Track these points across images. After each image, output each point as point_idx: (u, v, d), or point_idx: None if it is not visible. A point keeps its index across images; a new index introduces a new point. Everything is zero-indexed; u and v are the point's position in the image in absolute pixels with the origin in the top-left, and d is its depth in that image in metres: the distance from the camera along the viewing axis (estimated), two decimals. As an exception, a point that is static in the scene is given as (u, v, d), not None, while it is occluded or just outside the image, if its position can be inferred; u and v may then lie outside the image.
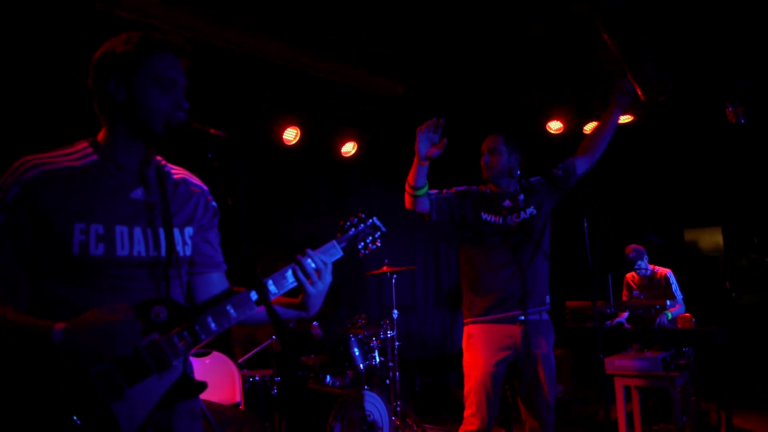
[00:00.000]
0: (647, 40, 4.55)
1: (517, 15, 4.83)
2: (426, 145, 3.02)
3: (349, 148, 6.26)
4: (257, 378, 4.30)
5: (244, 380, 4.26)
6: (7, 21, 3.75)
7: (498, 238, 3.24)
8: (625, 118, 6.18)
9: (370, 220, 2.02)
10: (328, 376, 4.65)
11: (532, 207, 3.33)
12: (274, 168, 5.82)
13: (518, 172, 3.32)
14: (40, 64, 3.92)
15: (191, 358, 4.03)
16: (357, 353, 4.60)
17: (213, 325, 1.62)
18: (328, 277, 1.80)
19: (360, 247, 1.98)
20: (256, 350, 4.43)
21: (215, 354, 4.00)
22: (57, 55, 3.93)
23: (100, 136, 1.68)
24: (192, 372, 1.73)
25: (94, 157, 1.63)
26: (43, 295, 1.53)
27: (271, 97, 5.56)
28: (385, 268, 5.27)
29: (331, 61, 5.37)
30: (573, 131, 6.43)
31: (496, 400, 3.18)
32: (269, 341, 4.40)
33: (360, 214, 2.03)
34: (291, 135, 5.70)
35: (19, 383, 1.41)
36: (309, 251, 1.78)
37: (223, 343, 4.41)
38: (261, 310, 1.71)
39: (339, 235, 1.94)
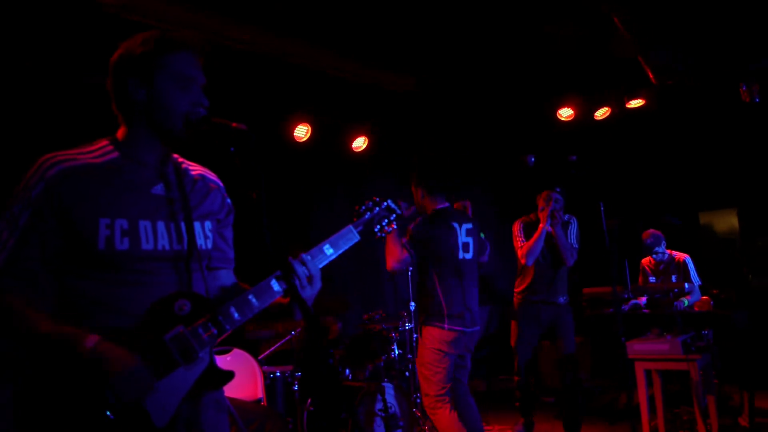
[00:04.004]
0: (658, 24, 4.53)
1: (528, 9, 4.81)
2: None
3: (360, 143, 6.27)
4: (278, 374, 4.33)
5: (266, 376, 4.29)
6: (16, 25, 3.78)
7: None
8: (636, 102, 6.15)
9: (385, 203, 2.02)
10: (347, 370, 4.67)
11: None
12: (285, 165, 5.84)
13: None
14: (54, 66, 3.96)
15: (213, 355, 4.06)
16: (375, 346, 4.62)
17: (236, 315, 1.63)
18: (317, 284, 1.75)
19: (376, 230, 1.98)
20: (276, 346, 4.46)
21: (236, 351, 4.02)
22: (69, 58, 3.98)
23: (120, 134, 1.70)
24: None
25: (115, 154, 1.65)
26: (70, 291, 1.55)
27: (282, 94, 5.58)
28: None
29: (341, 57, 5.38)
30: (584, 118, 6.40)
31: None
32: (289, 337, 4.42)
33: (374, 198, 2.02)
34: (302, 132, 5.71)
35: (50, 382, 1.44)
36: (303, 256, 1.74)
37: (244, 340, 4.44)
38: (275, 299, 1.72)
39: (355, 219, 1.94)
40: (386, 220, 2.01)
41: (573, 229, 4.80)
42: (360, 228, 1.93)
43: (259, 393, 3.99)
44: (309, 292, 1.73)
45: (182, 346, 1.54)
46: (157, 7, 4.36)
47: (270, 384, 4.30)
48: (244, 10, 4.57)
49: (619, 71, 5.80)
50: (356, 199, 6.46)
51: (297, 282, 1.71)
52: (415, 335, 5.24)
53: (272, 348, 4.46)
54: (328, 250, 1.83)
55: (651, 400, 4.42)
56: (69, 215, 1.52)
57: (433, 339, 3.84)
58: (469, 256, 3.99)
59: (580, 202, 4.72)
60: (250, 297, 1.66)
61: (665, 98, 6.00)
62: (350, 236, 1.89)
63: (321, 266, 1.79)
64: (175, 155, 1.80)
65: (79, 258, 1.54)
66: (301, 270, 1.70)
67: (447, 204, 4.06)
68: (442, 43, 5.35)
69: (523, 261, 4.70)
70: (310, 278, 1.72)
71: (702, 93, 5.95)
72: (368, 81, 5.74)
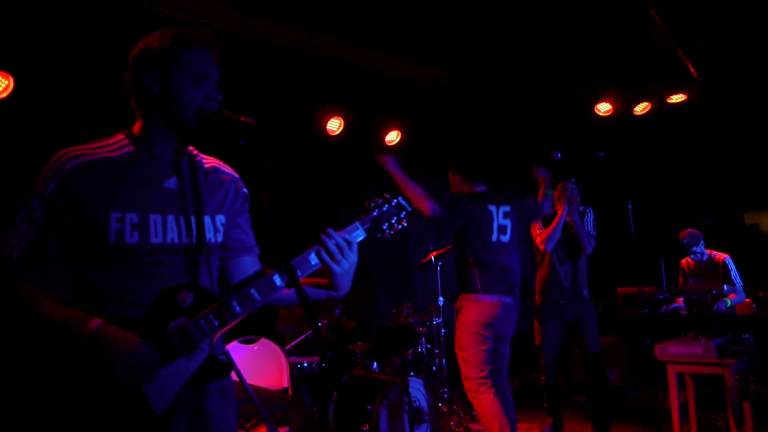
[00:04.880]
0: (699, 18, 4.37)
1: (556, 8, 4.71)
2: None
3: (393, 137, 6.26)
4: (305, 364, 4.39)
5: (292, 367, 4.35)
6: (52, 21, 3.92)
7: None
8: (677, 97, 5.95)
9: (395, 200, 1.99)
10: (374, 363, 4.70)
11: None
12: (317, 158, 5.89)
13: None
14: (87, 62, 4.08)
15: (239, 345, 4.15)
16: (403, 340, 4.63)
17: (237, 308, 1.66)
18: (353, 256, 1.81)
19: (385, 227, 1.95)
20: (302, 337, 4.52)
21: (263, 341, 4.10)
22: (104, 53, 4.09)
23: (136, 128, 1.74)
24: (223, 354, 1.78)
25: (131, 148, 1.69)
26: (84, 282, 1.61)
27: (315, 88, 5.62)
28: (431, 254, 5.27)
29: (375, 51, 5.38)
30: (623, 113, 6.23)
31: None
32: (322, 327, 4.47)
33: (385, 195, 2.00)
34: (335, 125, 5.74)
35: (55, 368, 1.50)
36: (331, 231, 1.79)
37: (271, 330, 4.52)
38: (287, 292, 1.75)
39: (363, 216, 1.94)
40: (395, 218, 1.99)
41: (589, 218, 4.78)
42: (367, 225, 1.91)
43: (285, 383, 4.05)
44: (346, 265, 1.79)
45: (183, 336, 1.58)
46: (194, 3, 4.45)
47: (297, 374, 4.37)
48: (279, 7, 4.62)
49: (660, 65, 5.62)
50: (387, 192, 6.49)
51: (328, 258, 1.76)
52: (443, 330, 5.22)
53: (299, 339, 4.52)
54: (333, 245, 1.84)
55: (684, 404, 4.30)
56: (82, 209, 1.57)
57: (469, 321, 3.83)
58: (505, 238, 3.98)
59: (608, 198, 4.63)
60: (252, 291, 1.69)
61: (708, 93, 5.78)
62: (357, 233, 1.88)
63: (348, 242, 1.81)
64: (191, 148, 1.84)
65: (92, 250, 1.59)
66: (331, 244, 1.76)
67: (485, 188, 4.07)
68: (477, 36, 5.28)
69: (542, 247, 4.71)
70: (341, 250, 1.77)
71: (747, 86, 5.70)
72: (402, 75, 5.73)
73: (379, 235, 1.98)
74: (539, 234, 4.74)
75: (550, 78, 5.99)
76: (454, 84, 5.95)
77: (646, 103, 6.18)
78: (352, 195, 6.21)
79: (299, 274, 1.75)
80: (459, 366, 3.92)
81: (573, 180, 4.51)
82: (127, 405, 1.50)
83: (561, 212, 4.62)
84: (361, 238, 1.89)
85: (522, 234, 4.18)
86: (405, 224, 2.03)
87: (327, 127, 5.71)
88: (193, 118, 1.66)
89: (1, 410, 1.57)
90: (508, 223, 4.00)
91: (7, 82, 4.04)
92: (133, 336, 1.51)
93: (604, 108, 6.26)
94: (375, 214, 1.96)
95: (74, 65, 4.15)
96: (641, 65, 5.69)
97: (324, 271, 1.83)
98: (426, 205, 3.75)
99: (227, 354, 2.84)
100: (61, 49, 4.19)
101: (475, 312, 3.84)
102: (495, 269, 3.89)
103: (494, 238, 3.93)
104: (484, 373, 3.76)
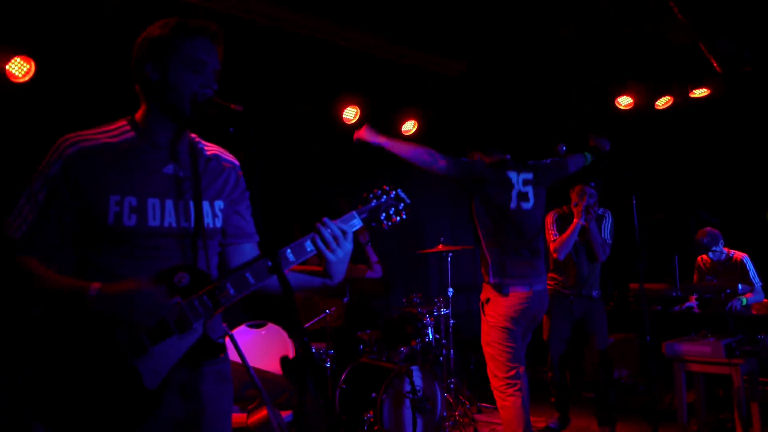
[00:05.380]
0: (721, 13, 4.28)
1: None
2: None
3: (409, 127, 6.25)
4: (312, 350, 4.43)
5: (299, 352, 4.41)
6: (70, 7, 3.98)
7: None
8: (700, 92, 5.85)
9: (394, 192, 2.02)
10: (383, 352, 4.74)
11: None
12: (334, 146, 5.92)
13: None
14: (108, 49, 4.15)
15: (247, 329, 4.22)
16: (410, 330, 4.66)
17: (232, 290, 1.70)
18: (347, 245, 1.84)
19: (382, 218, 1.98)
20: (311, 323, 4.58)
21: (270, 326, 4.17)
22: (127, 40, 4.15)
23: (138, 114, 1.79)
24: (221, 338, 1.82)
25: (132, 134, 1.74)
26: (85, 262, 1.66)
27: (332, 76, 5.64)
28: (440, 246, 5.27)
29: (393, 40, 5.38)
30: (644, 107, 6.14)
31: None
32: (323, 315, 4.52)
33: (384, 186, 2.02)
34: (351, 114, 5.76)
35: (54, 339, 1.55)
36: (326, 220, 1.82)
37: (279, 316, 4.57)
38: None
39: (360, 206, 1.97)
40: (393, 209, 2.01)
41: (607, 224, 4.65)
42: (365, 215, 1.94)
43: (291, 368, 4.11)
44: (341, 254, 1.82)
45: (178, 315, 1.63)
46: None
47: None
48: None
49: (682, 59, 5.52)
50: (403, 182, 6.52)
51: (323, 246, 1.80)
52: (452, 321, 5.24)
53: (306, 325, 4.58)
54: (328, 233, 1.87)
55: (692, 403, 4.27)
56: (83, 192, 1.63)
57: (497, 315, 3.55)
58: (527, 206, 3.66)
59: (614, 195, 4.56)
60: (247, 275, 1.73)
61: (732, 87, 5.66)
62: (352, 222, 1.91)
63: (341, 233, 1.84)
64: (193, 135, 1.88)
65: (92, 232, 1.64)
66: (326, 232, 1.80)
67: (507, 156, 3.77)
68: (495, 27, 5.24)
69: (555, 255, 4.57)
70: (336, 239, 1.81)
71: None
72: (419, 64, 5.71)
73: (374, 225, 2.00)
74: (553, 240, 4.62)
75: (567, 71, 5.93)
76: (470, 74, 5.91)
77: (669, 97, 6.08)
78: (367, 185, 6.23)
79: (294, 259, 1.79)
80: (486, 362, 3.67)
81: (593, 184, 4.33)
82: (120, 380, 1.55)
83: (577, 220, 4.46)
84: (357, 228, 1.92)
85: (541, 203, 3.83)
86: (404, 216, 2.05)
87: (343, 116, 5.72)
88: (187, 106, 1.70)
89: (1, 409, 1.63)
90: (529, 190, 3.70)
91: (29, 66, 4.12)
92: (136, 281, 1.55)
93: (624, 102, 6.17)
94: (373, 204, 1.99)
95: (95, 52, 4.22)
96: (665, 58, 5.60)
97: (320, 258, 1.86)
98: (437, 164, 3.45)
99: (231, 337, 2.90)
100: (84, 35, 4.27)
101: (504, 305, 3.54)
102: (523, 249, 3.56)
103: (513, 205, 3.61)
104: (513, 372, 3.50)
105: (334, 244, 1.81)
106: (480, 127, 3.63)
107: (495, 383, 3.58)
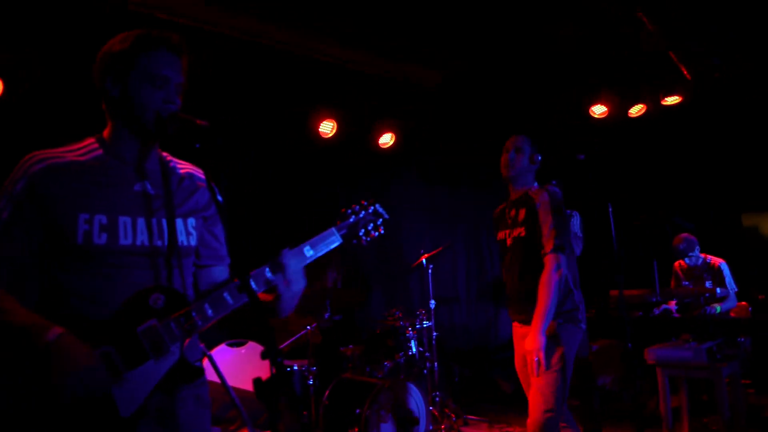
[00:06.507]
0: (690, 20, 4.36)
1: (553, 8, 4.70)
2: None
3: (387, 140, 6.25)
4: (295, 368, 4.37)
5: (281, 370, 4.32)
6: (40, 24, 3.91)
7: None
8: (672, 100, 5.94)
9: (372, 207, 2.02)
10: (366, 367, 4.68)
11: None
12: (310, 161, 5.88)
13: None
14: (74, 66, 4.08)
15: (227, 348, 4.13)
16: (393, 343, 4.61)
17: (210, 311, 1.65)
18: (300, 282, 1.76)
19: (361, 233, 1.97)
20: (291, 340, 4.50)
21: (251, 344, 4.09)
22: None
23: (105, 132, 1.74)
24: (199, 360, 1.76)
25: (99, 152, 1.69)
26: (53, 283, 1.60)
27: (308, 90, 5.61)
28: (422, 257, 5.25)
29: (367, 53, 5.38)
30: (618, 115, 6.21)
31: None
32: (304, 331, 4.46)
33: (362, 201, 2.03)
34: (327, 128, 5.73)
35: (18, 370, 1.48)
36: (285, 251, 1.75)
37: (264, 334, 4.50)
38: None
39: (338, 222, 1.94)
40: (372, 224, 2.01)
41: (576, 221, 4.64)
42: (343, 231, 1.92)
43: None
44: (295, 288, 1.74)
45: (154, 338, 1.58)
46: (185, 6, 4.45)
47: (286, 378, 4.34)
48: (270, 8, 4.62)
49: (654, 67, 5.61)
50: (383, 195, 6.51)
51: (281, 280, 1.72)
52: (435, 333, 5.19)
53: (287, 342, 4.50)
54: (308, 252, 1.83)
55: (677, 408, 4.29)
56: (50, 210, 1.57)
57: (575, 342, 3.09)
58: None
59: (591, 201, 4.58)
60: (226, 295, 1.68)
61: (703, 94, 5.76)
62: (332, 239, 1.88)
63: (301, 267, 1.79)
64: (165, 153, 1.84)
65: (60, 251, 1.59)
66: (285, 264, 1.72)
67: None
68: (470, 37, 5.27)
69: None
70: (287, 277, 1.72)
71: (744, 86, 5.69)
72: (395, 76, 5.72)
73: (355, 242, 1.99)
74: None
75: (545, 79, 5.98)
76: (447, 85, 5.94)
77: (641, 105, 6.17)
78: (346, 197, 6.20)
79: (257, 288, 1.72)
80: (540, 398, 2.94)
81: (554, 182, 4.39)
82: (93, 409, 1.49)
83: None
84: (336, 244, 1.89)
85: None
86: (382, 231, 2.04)
87: (319, 130, 5.69)
88: (151, 121, 1.65)
89: None
90: None
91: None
92: (91, 352, 1.48)
93: (599, 110, 6.25)
94: (351, 220, 1.97)
95: (68, 65, 4.15)
96: (637, 67, 5.68)
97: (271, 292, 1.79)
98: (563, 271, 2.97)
99: (210, 358, 2.82)
100: (54, 48, 4.20)
101: (576, 346, 3.08)
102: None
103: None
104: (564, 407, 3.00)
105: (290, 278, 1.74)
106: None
107: (545, 419, 2.91)
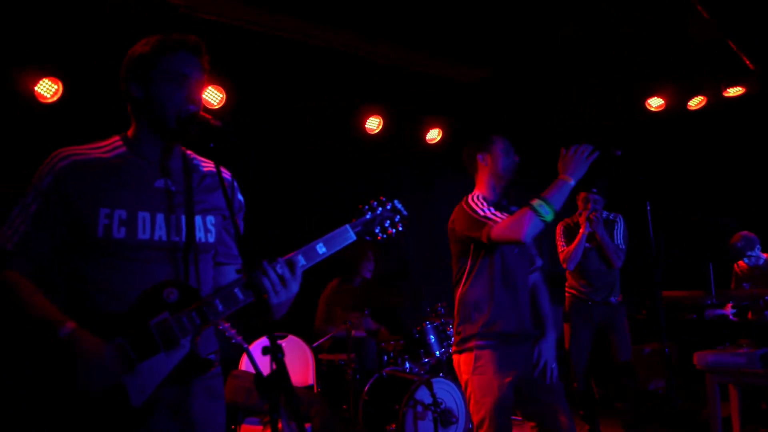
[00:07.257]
0: (749, 11, 4.13)
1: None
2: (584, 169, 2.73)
3: (434, 135, 6.22)
4: (335, 362, 4.43)
5: (322, 364, 4.41)
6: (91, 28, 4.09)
7: None
8: (735, 90, 5.63)
9: (390, 204, 1.99)
10: (407, 363, 4.69)
11: None
12: (356, 158, 5.92)
13: None
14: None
15: (267, 341, 4.23)
16: (432, 340, 4.60)
17: (220, 306, 1.69)
18: (293, 287, 1.73)
19: (377, 231, 1.94)
20: (330, 335, 4.57)
21: (291, 337, 4.17)
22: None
23: (130, 131, 1.83)
24: (210, 352, 1.78)
25: (123, 149, 1.78)
26: (74, 274, 1.69)
27: (355, 87, 5.65)
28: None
29: (415, 50, 5.36)
30: (676, 108, 5.94)
31: None
32: (346, 326, 4.51)
33: (381, 198, 1.99)
34: (374, 124, 5.75)
35: (37, 353, 1.58)
36: (279, 259, 1.73)
37: (303, 328, 4.58)
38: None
39: (354, 219, 1.94)
40: (389, 222, 1.97)
41: (619, 230, 4.52)
42: (358, 228, 1.90)
43: (311, 379, 4.11)
44: (283, 296, 1.71)
45: (165, 332, 1.63)
46: (233, 7, 4.56)
47: (327, 372, 4.41)
48: (320, 10, 4.68)
49: (715, 57, 5.33)
50: (429, 191, 6.48)
51: (268, 285, 1.68)
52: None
53: (326, 336, 4.56)
54: (321, 249, 1.83)
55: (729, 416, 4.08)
56: (73, 205, 1.66)
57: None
58: None
59: (631, 201, 4.41)
60: (236, 291, 1.71)
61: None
62: (346, 236, 1.87)
63: (313, 264, 1.80)
64: (189, 152, 1.90)
65: (82, 244, 1.67)
66: (271, 272, 1.69)
67: None
68: (518, 31, 5.17)
69: (564, 266, 4.57)
70: (282, 279, 1.70)
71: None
72: (442, 73, 5.69)
73: (369, 238, 1.97)
74: (561, 251, 4.62)
75: (595, 73, 5.80)
76: (495, 80, 5.85)
77: (701, 98, 5.89)
78: (390, 193, 6.20)
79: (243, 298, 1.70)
80: None
81: (595, 190, 4.25)
82: (106, 397, 1.56)
83: (583, 229, 4.46)
84: (350, 241, 1.89)
85: None
86: (400, 228, 2.02)
87: (366, 126, 5.72)
88: (172, 120, 1.72)
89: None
90: None
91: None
92: (103, 345, 1.56)
93: (655, 103, 5.99)
94: (368, 216, 1.95)
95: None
96: (694, 58, 5.42)
97: None
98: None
99: (246, 350, 2.91)
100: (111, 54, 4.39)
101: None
102: None
103: None
104: None
105: (279, 286, 1.71)
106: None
107: None
